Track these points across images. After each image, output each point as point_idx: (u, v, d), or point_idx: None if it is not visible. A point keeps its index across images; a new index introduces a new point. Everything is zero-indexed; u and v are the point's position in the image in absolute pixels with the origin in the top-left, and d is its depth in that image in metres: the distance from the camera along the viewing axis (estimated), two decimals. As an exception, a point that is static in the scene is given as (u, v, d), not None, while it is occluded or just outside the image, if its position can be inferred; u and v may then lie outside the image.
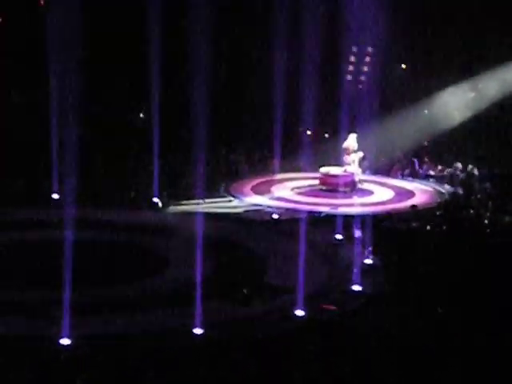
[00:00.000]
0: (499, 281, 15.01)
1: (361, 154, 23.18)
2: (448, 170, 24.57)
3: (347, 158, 23.01)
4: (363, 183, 23.23)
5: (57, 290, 13.67)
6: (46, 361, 12.09)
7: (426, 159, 25.35)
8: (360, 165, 23.21)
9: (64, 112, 22.01)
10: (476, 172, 23.77)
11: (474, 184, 23.00)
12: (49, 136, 22.48)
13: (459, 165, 24.41)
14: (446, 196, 22.47)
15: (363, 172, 23.58)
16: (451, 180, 23.95)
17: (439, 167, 25.00)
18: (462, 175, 23.94)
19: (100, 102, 25.89)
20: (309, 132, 25.81)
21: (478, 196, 21.57)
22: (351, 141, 23.12)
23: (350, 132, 23.35)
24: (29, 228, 18.70)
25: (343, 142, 23.29)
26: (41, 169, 22.47)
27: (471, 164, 24.12)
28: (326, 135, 26.58)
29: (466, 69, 26.98)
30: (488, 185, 22.68)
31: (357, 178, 22.97)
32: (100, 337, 13.11)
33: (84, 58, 22.13)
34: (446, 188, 23.31)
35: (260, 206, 21.39)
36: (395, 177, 24.95)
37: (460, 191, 22.52)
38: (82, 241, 16.07)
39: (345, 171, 22.83)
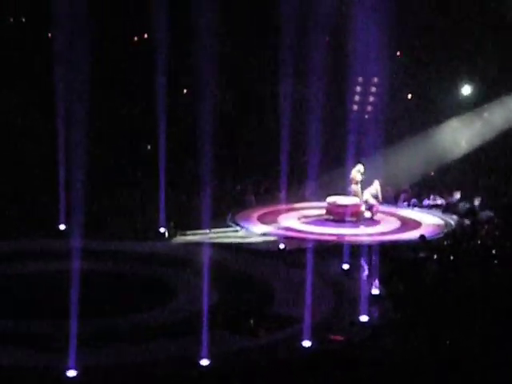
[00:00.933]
0: (505, 309, 14.94)
1: (377, 184, 23.21)
2: (451, 200, 24.61)
3: (352, 188, 23.07)
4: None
5: (63, 321, 13.65)
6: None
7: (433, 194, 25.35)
8: (377, 195, 23.24)
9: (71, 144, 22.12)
10: (477, 202, 23.79)
11: (477, 214, 23.01)
12: (56, 167, 22.58)
13: (457, 195, 24.52)
14: (453, 226, 22.43)
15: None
16: (451, 209, 24.01)
17: (437, 197, 25.03)
18: (464, 205, 23.97)
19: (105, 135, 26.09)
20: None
21: (485, 226, 21.52)
22: (357, 171, 23.18)
23: (356, 162, 23.42)
24: (35, 259, 18.70)
25: (350, 172, 23.35)
26: (48, 200, 22.58)
27: (473, 194, 24.15)
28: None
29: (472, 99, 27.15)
30: (490, 213, 22.68)
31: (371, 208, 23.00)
32: (105, 367, 13.05)
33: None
34: (453, 218, 23.29)
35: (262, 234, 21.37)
36: (401, 206, 24.96)
37: (465, 221, 22.49)
38: (88, 271, 16.07)
39: (366, 201, 22.90)
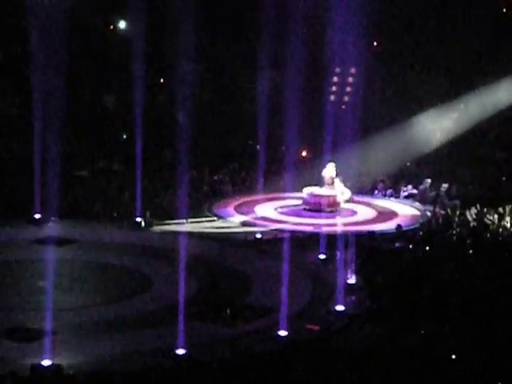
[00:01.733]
0: (483, 296, 15.06)
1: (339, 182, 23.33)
2: (420, 188, 24.64)
3: (327, 186, 23.22)
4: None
5: (38, 311, 13.57)
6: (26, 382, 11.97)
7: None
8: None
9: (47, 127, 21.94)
10: (444, 188, 23.75)
11: (444, 201, 23.07)
12: (32, 154, 22.39)
13: (428, 180, 24.51)
14: (428, 216, 22.55)
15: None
16: (422, 198, 24.09)
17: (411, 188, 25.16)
18: (430, 191, 24.05)
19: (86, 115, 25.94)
20: (304, 153, 25.89)
21: (461, 217, 21.65)
22: (329, 169, 23.25)
23: (329, 161, 23.42)
24: (9, 247, 18.56)
25: (325, 165, 23.38)
26: (22, 188, 22.40)
27: (444, 183, 24.14)
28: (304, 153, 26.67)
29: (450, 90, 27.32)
30: (456, 202, 22.80)
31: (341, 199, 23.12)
32: (81, 357, 13.00)
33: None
34: (428, 208, 23.39)
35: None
36: (378, 197, 25.06)
37: (436, 209, 22.57)
38: (63, 260, 15.99)
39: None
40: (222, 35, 26.81)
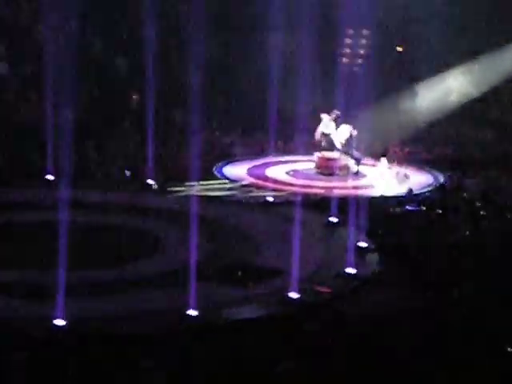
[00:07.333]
0: (495, 265, 15.04)
1: (346, 130, 22.63)
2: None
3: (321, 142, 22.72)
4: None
5: (50, 271, 13.66)
6: (38, 342, 12.07)
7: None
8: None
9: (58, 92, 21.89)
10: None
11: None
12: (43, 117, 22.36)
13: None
14: (441, 179, 22.44)
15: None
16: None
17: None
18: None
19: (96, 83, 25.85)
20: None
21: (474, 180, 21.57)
22: (342, 130, 22.81)
23: (342, 123, 22.88)
24: (21, 209, 18.64)
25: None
26: (34, 150, 22.44)
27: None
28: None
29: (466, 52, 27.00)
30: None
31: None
32: (93, 318, 13.09)
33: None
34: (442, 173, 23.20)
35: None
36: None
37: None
38: (75, 223, 16.03)
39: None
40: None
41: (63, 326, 12.64)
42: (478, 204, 18.88)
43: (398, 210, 19.12)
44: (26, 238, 16.73)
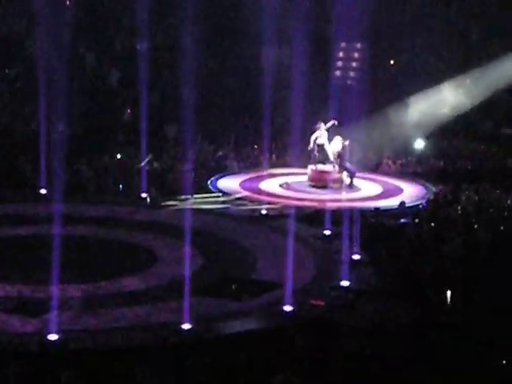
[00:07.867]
0: (489, 275, 15.08)
1: (338, 141, 22.70)
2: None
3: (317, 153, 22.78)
4: None
5: (43, 286, 13.62)
6: (32, 356, 12.04)
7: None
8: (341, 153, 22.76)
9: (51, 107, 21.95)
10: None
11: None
12: (37, 131, 22.40)
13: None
14: (434, 192, 22.50)
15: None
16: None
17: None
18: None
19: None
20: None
21: (466, 193, 21.63)
22: (334, 143, 22.89)
23: (335, 134, 22.97)
24: (15, 223, 18.61)
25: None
26: (29, 164, 22.45)
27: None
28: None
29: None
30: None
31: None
32: (86, 332, 13.07)
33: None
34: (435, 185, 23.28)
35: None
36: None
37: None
38: (69, 237, 16.02)
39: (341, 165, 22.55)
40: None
41: (55, 341, 12.60)
42: (471, 216, 18.93)
43: (391, 222, 19.15)
44: (16, 252, 16.69)
